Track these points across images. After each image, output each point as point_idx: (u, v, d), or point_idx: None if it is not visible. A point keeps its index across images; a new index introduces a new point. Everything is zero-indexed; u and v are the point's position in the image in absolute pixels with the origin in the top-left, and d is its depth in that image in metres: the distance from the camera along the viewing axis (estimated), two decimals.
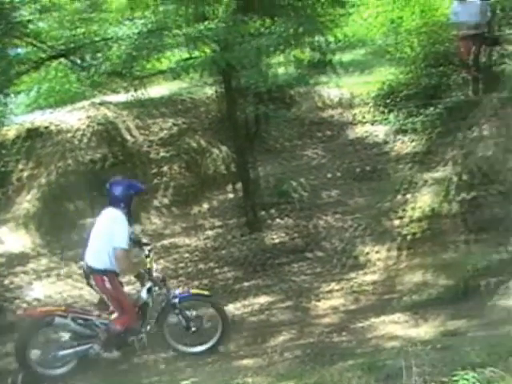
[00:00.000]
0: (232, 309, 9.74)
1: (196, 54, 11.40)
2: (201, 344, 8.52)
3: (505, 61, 13.39)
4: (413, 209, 11.03)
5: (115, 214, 7.99)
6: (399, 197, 11.51)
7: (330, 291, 10.06)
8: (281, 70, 12.72)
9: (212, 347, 8.54)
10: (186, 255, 11.36)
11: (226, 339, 8.67)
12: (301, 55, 12.77)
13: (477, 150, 11.10)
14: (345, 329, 8.86)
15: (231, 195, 12.47)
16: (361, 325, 8.93)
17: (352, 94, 14.77)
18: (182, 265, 11.07)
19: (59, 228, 11.48)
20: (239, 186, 12.18)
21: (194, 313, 8.49)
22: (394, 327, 8.64)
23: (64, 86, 15.63)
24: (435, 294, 9.24)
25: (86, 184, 11.68)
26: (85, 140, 12.45)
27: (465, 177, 10.76)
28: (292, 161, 13.34)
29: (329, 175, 12.81)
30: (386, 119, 13.71)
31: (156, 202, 12.50)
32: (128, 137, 12.84)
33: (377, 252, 10.67)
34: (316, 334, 8.84)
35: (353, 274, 10.50)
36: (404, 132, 13.05)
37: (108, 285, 7.89)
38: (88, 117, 12.79)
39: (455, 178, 10.90)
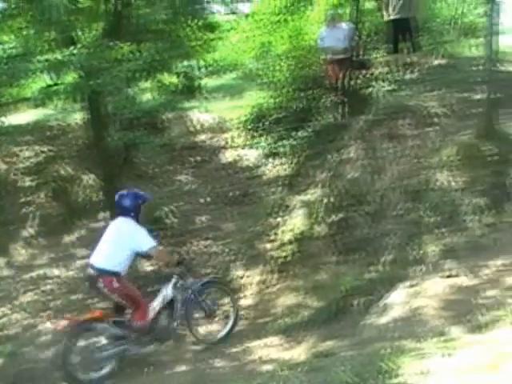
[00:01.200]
0: None
1: (65, 79, 11.15)
2: (219, 331, 9.41)
3: (371, 84, 13.71)
4: (284, 232, 11.07)
5: (128, 222, 8.63)
6: (270, 220, 11.52)
7: (205, 317, 9.92)
8: (149, 96, 12.62)
9: (229, 332, 9.34)
10: (56, 287, 11.02)
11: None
12: (169, 80, 12.69)
13: (345, 172, 11.25)
14: (219, 354, 8.78)
15: (102, 223, 12.19)
16: (235, 350, 8.87)
17: (223, 118, 14.81)
18: (50, 297, 10.73)
19: None
20: (109, 213, 11.94)
21: (214, 299, 9.50)
22: (269, 351, 8.60)
23: None
24: (308, 315, 9.26)
25: None
26: None
27: (333, 199, 10.87)
28: (164, 187, 13.20)
29: (201, 200, 12.75)
30: (256, 143, 13.78)
31: (24, 233, 12.11)
32: None
33: (250, 276, 10.66)
34: (191, 361, 8.73)
35: (227, 299, 10.45)
36: (274, 155, 13.15)
37: (116, 284, 8.42)
38: None
39: (324, 200, 11.00)
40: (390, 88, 12.97)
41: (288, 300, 9.91)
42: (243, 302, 10.26)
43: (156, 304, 8.85)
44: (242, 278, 10.83)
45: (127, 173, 12.31)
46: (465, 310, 7.26)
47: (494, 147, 9.80)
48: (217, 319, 9.56)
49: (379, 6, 15.42)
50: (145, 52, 10.67)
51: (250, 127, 14.20)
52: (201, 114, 14.90)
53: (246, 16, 16.67)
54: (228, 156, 13.92)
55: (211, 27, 14.10)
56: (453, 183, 9.69)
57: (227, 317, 9.53)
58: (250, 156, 13.57)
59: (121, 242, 8.52)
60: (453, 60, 14.00)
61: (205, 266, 11.26)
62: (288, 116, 13.60)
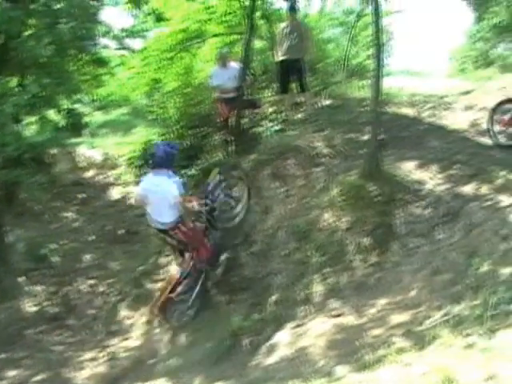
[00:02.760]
0: None
1: None
2: (236, 217, 10.84)
3: (260, 123, 13.82)
4: (168, 271, 11.00)
5: (162, 175, 9.52)
6: (158, 259, 11.46)
7: (91, 359, 9.71)
8: (36, 131, 12.34)
9: (245, 212, 10.87)
10: None
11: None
12: (55, 117, 12.45)
13: None
14: None
15: None
16: None
17: (112, 154, 14.64)
18: None
19: None
20: None
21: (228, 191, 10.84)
22: None
23: None
24: (197, 355, 9.15)
25: None
26: None
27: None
28: (50, 224, 12.91)
29: (89, 238, 12.51)
30: None
31: None
32: None
33: (137, 316, 10.49)
34: None
35: (114, 340, 10.28)
36: None
37: (184, 228, 9.71)
38: None
39: None
40: (278, 127, 13.09)
41: (176, 340, 9.79)
42: (130, 343, 10.08)
43: None
44: (129, 318, 10.66)
45: (11, 210, 11.96)
46: (350, 350, 7.34)
47: (379, 187, 10.00)
48: (233, 207, 10.80)
49: (270, 45, 15.61)
50: (30, 87, 10.46)
51: (138, 164, 14.07)
52: (89, 150, 14.68)
53: (138, 52, 16.61)
54: (116, 193, 13.76)
55: (101, 62, 13.97)
56: (339, 223, 9.83)
57: (241, 201, 10.89)
58: None
59: (164, 196, 9.44)
60: (341, 101, 14.29)
61: (90, 307, 11.01)
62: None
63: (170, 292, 9.81)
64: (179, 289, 9.87)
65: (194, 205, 9.81)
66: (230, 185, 11.04)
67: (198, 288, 10.00)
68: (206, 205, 10.11)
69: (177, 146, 10.22)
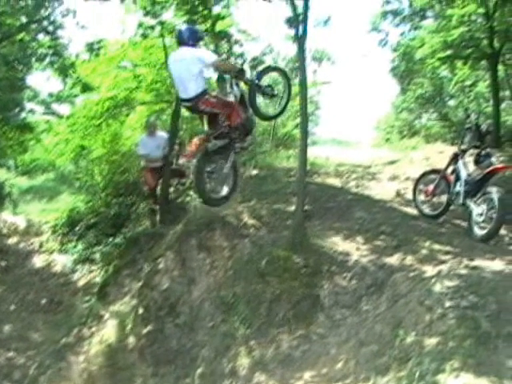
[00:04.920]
0: None
1: None
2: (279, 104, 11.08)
3: (188, 193, 13.78)
4: (95, 343, 10.73)
5: (187, 49, 9.72)
6: (81, 330, 11.16)
7: None
8: None
9: (285, 105, 11.12)
10: None
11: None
12: None
13: (157, 283, 10.98)
14: None
15: None
16: None
17: (37, 221, 14.39)
18: None
19: None
20: None
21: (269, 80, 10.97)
22: None
23: None
24: None
25: None
26: None
27: (146, 309, 10.67)
28: None
29: (9, 307, 12.15)
30: (72, 248, 13.41)
31: None
32: None
33: None
34: None
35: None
36: (87, 262, 12.83)
37: (212, 99, 9.80)
38: None
39: (138, 311, 10.77)
40: None
41: None
42: None
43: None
44: None
45: None
46: None
47: (304, 259, 9.99)
48: (275, 97, 10.76)
49: None
50: None
51: (63, 231, 13.84)
52: (14, 217, 14.39)
53: (65, 118, 16.51)
54: (40, 261, 13.46)
55: (30, 128, 13.85)
56: (265, 295, 9.74)
57: (283, 93, 10.93)
58: (63, 261, 13.16)
59: (192, 68, 9.58)
60: (268, 171, 14.37)
61: (9, 380, 10.63)
62: (102, 221, 13.34)
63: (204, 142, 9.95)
64: (210, 144, 9.96)
65: (235, 66, 10.64)
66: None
67: (231, 157, 10.23)
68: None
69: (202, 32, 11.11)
